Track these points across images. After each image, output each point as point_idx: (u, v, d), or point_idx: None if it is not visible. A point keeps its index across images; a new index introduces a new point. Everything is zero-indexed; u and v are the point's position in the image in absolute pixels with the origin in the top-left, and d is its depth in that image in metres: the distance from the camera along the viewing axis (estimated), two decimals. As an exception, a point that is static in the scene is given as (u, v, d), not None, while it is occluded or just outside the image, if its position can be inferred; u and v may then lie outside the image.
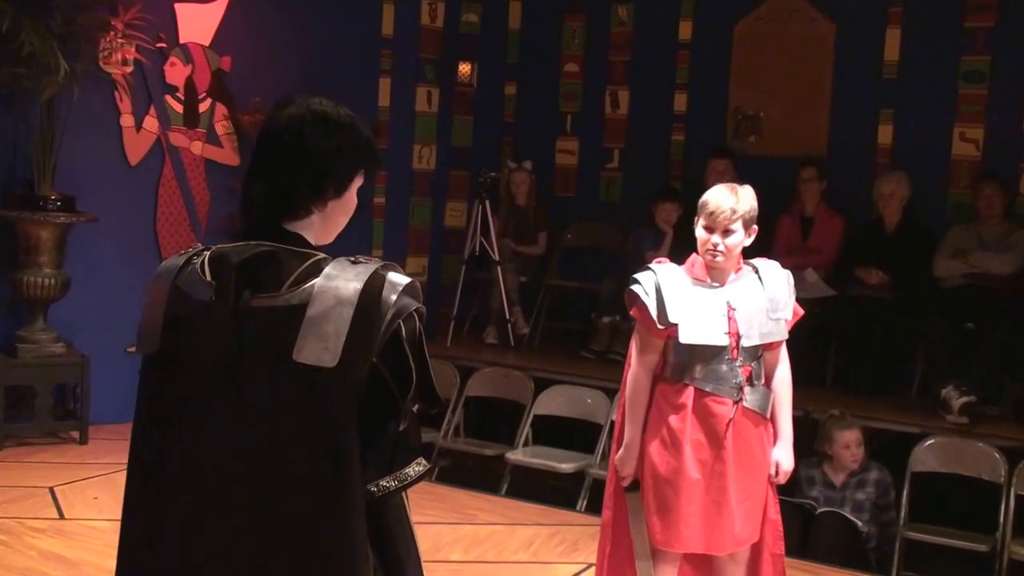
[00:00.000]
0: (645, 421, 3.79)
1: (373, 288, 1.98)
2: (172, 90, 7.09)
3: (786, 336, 3.82)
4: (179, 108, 7.12)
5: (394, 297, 1.99)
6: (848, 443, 5.74)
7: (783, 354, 3.84)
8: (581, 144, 8.42)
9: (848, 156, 7.46)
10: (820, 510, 5.65)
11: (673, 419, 3.72)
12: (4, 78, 6.14)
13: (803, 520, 5.65)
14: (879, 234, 6.98)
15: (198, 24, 7.16)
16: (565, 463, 6.49)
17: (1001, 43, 7.06)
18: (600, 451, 6.49)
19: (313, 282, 1.98)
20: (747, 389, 3.70)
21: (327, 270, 1.99)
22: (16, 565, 4.70)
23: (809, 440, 6.23)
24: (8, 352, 6.37)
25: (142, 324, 2.11)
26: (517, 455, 6.60)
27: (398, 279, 2.01)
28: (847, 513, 5.66)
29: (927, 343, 6.62)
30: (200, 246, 2.15)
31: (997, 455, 5.74)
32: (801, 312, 3.87)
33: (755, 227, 3.81)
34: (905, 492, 5.77)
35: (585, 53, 8.42)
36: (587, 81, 8.41)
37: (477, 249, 7.56)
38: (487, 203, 7.54)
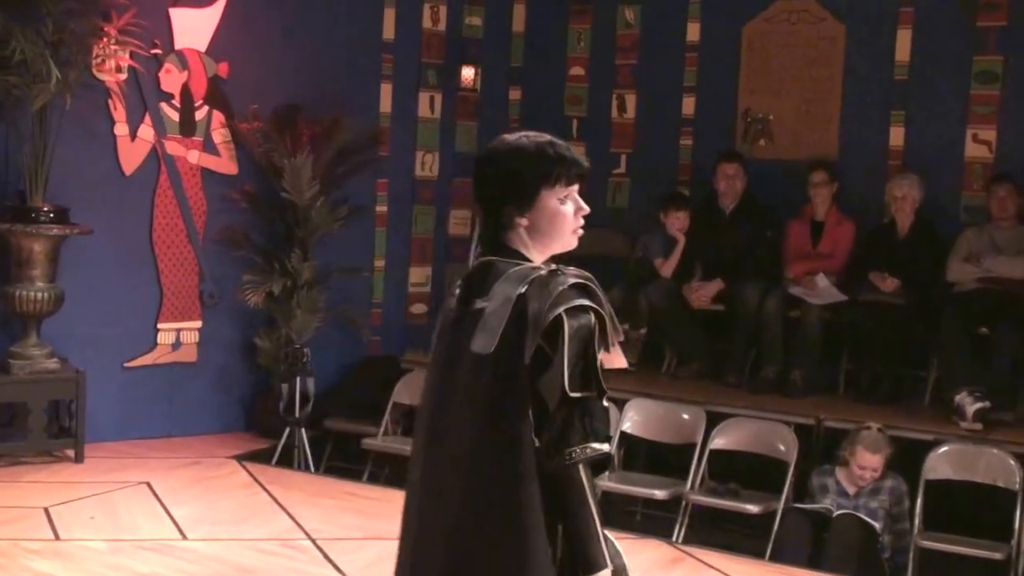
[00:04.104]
0: None
1: (535, 289, 2.38)
2: (167, 97, 6.98)
3: None
4: (175, 116, 7.01)
5: (556, 294, 2.36)
6: (868, 466, 5.64)
7: None
8: (587, 149, 8.24)
9: (859, 159, 7.34)
10: (837, 512, 5.58)
11: None
12: (-5, 86, 6.05)
13: (815, 528, 5.58)
14: (891, 238, 6.87)
15: (194, 30, 7.04)
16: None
17: (1014, 43, 6.92)
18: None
19: (500, 283, 2.42)
20: None
21: (510, 274, 2.43)
22: (10, 588, 4.62)
23: (822, 449, 6.12)
24: (0, 368, 6.26)
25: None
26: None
27: (561, 280, 2.39)
28: (862, 520, 5.59)
29: (940, 348, 6.52)
30: (479, 258, 2.57)
31: (1012, 462, 5.68)
32: None
33: None
34: (919, 500, 5.71)
35: (591, 56, 8.30)
36: (593, 85, 8.29)
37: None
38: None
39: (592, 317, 2.39)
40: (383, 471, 6.94)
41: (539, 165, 2.49)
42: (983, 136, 7.04)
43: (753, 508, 5.90)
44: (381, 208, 7.88)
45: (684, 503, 6.03)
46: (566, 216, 2.53)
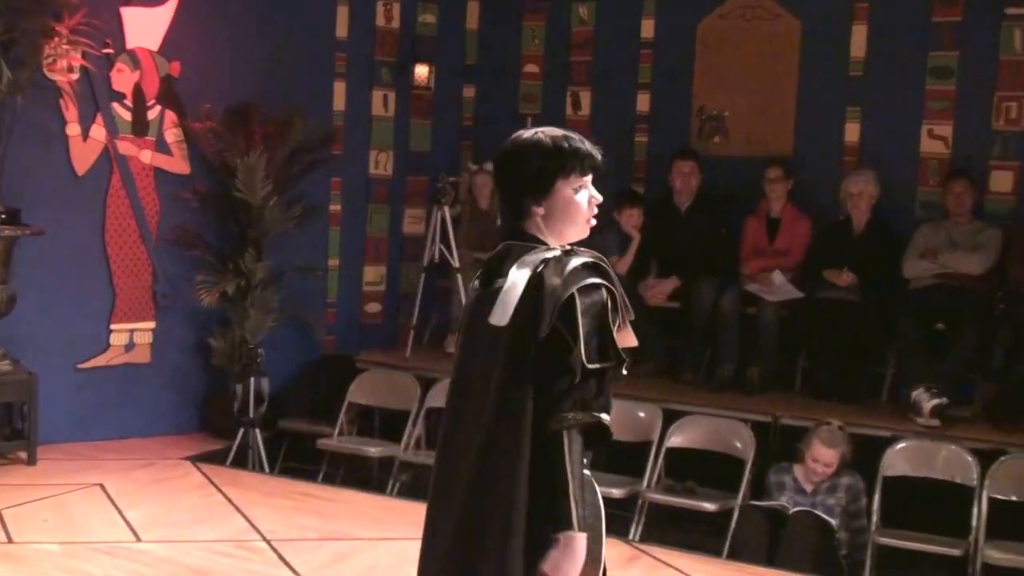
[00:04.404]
0: None
1: (550, 268, 2.56)
2: (119, 97, 6.91)
3: None
4: (127, 116, 6.94)
5: (570, 273, 2.55)
6: (822, 459, 5.66)
7: None
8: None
9: (815, 155, 7.36)
10: (793, 510, 5.58)
11: None
12: (-57, 87, 5.95)
13: (772, 525, 5.58)
14: (847, 234, 6.89)
15: (146, 29, 6.97)
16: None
17: (969, 38, 6.96)
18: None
19: (517, 264, 2.59)
20: None
21: (526, 257, 2.60)
22: (-40, 593, 4.56)
23: (779, 447, 6.13)
24: (-49, 371, 6.17)
25: None
26: (480, 467, 6.43)
27: (573, 261, 2.58)
28: (818, 517, 5.59)
29: (897, 345, 6.54)
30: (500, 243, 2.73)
31: (969, 457, 5.71)
32: None
33: None
34: (876, 497, 5.71)
35: (545, 53, 8.28)
36: (548, 82, 8.27)
37: (436, 256, 7.41)
38: (446, 209, 7.38)
39: (604, 293, 2.57)
40: (338, 471, 6.90)
41: (556, 158, 2.67)
42: (939, 132, 7.07)
43: (710, 506, 5.90)
44: (335, 207, 7.82)
45: (641, 501, 6.02)
46: (580, 205, 2.70)
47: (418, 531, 5.87)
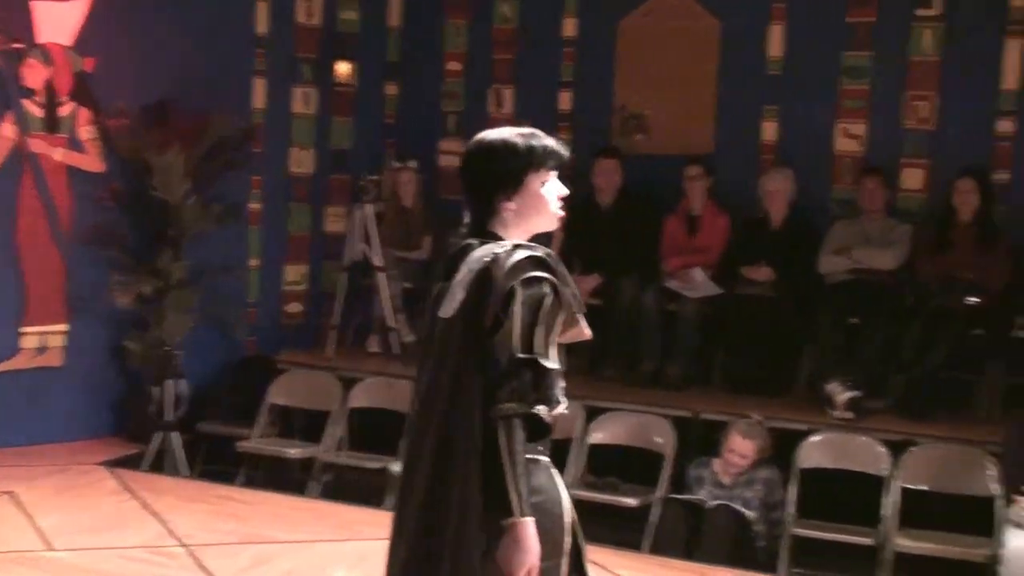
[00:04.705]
0: None
1: (497, 261, 2.65)
2: (30, 94, 6.75)
3: None
4: (39, 112, 6.78)
5: (513, 266, 2.63)
6: (738, 450, 5.73)
7: None
8: (465, 145, 8.22)
9: (734, 153, 7.43)
10: (710, 504, 5.64)
11: None
12: None
13: (691, 519, 5.63)
14: (765, 231, 6.97)
15: (58, 23, 6.82)
16: (452, 473, 6.30)
17: (882, 38, 7.08)
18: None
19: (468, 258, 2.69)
20: None
21: (476, 252, 2.70)
22: None
23: (699, 442, 6.19)
24: None
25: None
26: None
27: (518, 255, 2.66)
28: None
29: (813, 339, 6.62)
30: (462, 240, 2.80)
31: (881, 448, 5.81)
32: None
33: None
34: (793, 488, 5.79)
35: (468, 51, 8.26)
36: (470, 80, 8.25)
37: (359, 255, 7.35)
38: (368, 207, 7.33)
39: (547, 287, 2.66)
40: (258, 473, 6.82)
41: (525, 153, 2.78)
42: (853, 130, 7.18)
43: (631, 501, 5.93)
44: (255, 206, 7.72)
45: (562, 498, 6.02)
46: (547, 198, 2.81)
47: (339, 532, 5.88)
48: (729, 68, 7.49)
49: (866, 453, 5.82)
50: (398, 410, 6.72)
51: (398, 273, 7.57)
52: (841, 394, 6.05)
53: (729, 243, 7.11)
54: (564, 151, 2.84)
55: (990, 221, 6.58)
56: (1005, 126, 6.83)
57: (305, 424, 7.08)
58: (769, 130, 7.34)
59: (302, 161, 7.97)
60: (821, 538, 5.67)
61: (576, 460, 6.17)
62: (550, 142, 2.82)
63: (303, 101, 7.92)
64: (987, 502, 5.52)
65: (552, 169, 2.82)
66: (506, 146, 2.79)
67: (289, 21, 7.80)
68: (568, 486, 5.80)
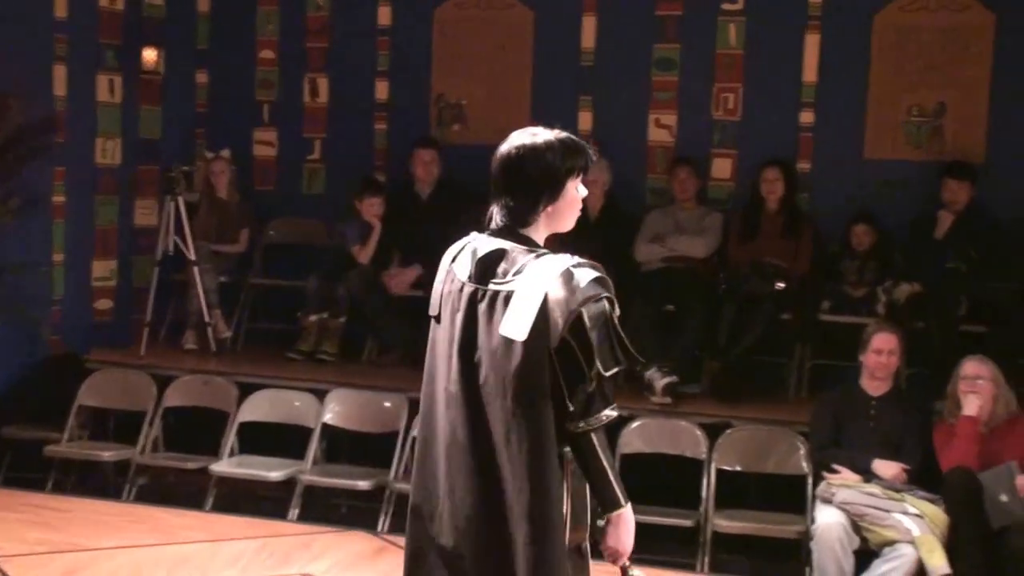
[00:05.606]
0: None
1: (560, 282, 2.71)
2: None
3: None
4: None
5: (578, 289, 2.69)
6: None
7: None
8: (280, 135, 8.09)
9: (550, 143, 7.47)
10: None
11: None
12: None
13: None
14: (582, 221, 6.90)
15: None
16: (274, 471, 6.22)
17: (689, 32, 7.27)
18: (311, 456, 6.27)
19: (525, 273, 2.74)
20: None
21: (536, 265, 2.75)
22: None
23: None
24: None
25: (433, 292, 2.98)
26: (222, 466, 6.28)
27: (584, 274, 2.72)
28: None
29: (630, 327, 6.73)
30: (473, 236, 2.93)
31: (698, 432, 5.98)
32: None
33: None
34: (614, 474, 5.86)
35: (281, 39, 8.08)
36: (284, 68, 8.08)
37: (171, 249, 7.13)
38: (180, 199, 7.11)
39: (604, 302, 2.73)
40: (69, 479, 6.56)
41: (566, 158, 2.85)
42: (664, 121, 7.36)
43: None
44: (59, 198, 7.36)
45: (388, 492, 6.00)
46: (578, 201, 2.91)
47: (158, 537, 5.68)
48: (543, 58, 7.57)
49: (684, 437, 5.99)
50: (216, 408, 6.59)
51: (213, 267, 7.38)
52: (659, 380, 6.18)
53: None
54: (593, 154, 2.93)
55: (796, 209, 6.88)
56: (807, 117, 7.12)
57: (118, 425, 6.84)
58: (585, 120, 7.43)
59: (108, 151, 7.65)
60: (642, 521, 5.72)
61: (400, 454, 6.11)
62: (583, 145, 2.90)
63: (108, 89, 7.60)
64: (799, 480, 5.76)
65: (584, 173, 2.91)
66: (556, 150, 2.85)
67: (91, 5, 7.46)
68: (392, 480, 5.74)
